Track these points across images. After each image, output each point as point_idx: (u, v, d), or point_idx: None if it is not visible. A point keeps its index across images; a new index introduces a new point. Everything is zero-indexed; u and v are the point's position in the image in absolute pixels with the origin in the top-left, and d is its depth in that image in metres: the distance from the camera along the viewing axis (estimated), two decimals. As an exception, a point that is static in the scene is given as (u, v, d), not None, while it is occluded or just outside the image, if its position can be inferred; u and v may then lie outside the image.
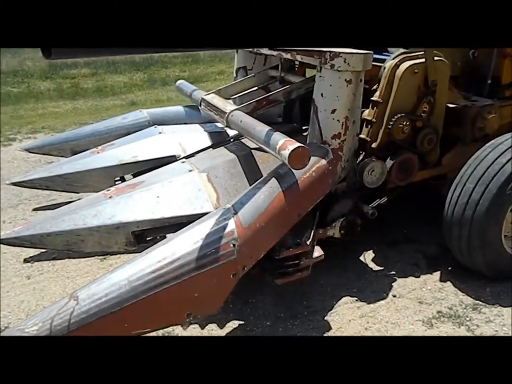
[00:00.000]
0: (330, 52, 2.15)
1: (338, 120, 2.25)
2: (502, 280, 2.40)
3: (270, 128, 2.14)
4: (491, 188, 2.16)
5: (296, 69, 3.24)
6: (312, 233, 2.14)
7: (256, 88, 3.06)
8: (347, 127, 2.28)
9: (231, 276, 1.77)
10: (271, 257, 2.04)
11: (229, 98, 2.99)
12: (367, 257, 2.76)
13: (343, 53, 2.12)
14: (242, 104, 2.68)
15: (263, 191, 1.98)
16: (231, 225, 1.79)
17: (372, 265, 2.67)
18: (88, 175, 2.83)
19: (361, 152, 2.50)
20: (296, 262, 2.09)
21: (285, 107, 3.22)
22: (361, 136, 2.53)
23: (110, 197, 2.19)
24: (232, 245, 1.75)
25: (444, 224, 2.40)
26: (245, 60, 3.24)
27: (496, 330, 2.09)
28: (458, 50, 2.94)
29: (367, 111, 2.52)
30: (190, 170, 2.39)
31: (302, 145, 1.88)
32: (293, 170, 2.01)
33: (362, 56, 2.13)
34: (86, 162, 2.87)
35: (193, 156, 2.75)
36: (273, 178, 2.06)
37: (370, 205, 2.51)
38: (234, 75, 3.33)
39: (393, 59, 2.41)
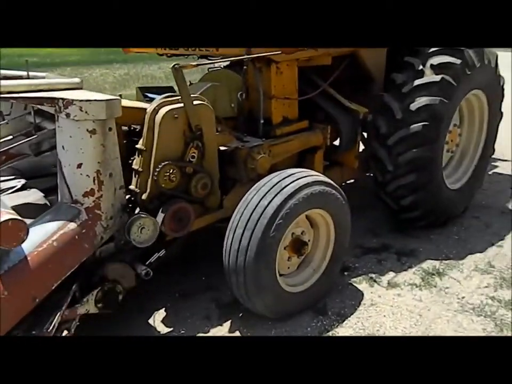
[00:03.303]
0: (63, 99, 1.86)
1: (87, 175, 1.96)
2: (286, 319, 2.41)
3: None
4: (256, 232, 2.13)
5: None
6: (57, 317, 1.76)
7: (11, 136, 2.57)
8: (101, 182, 2.00)
9: None
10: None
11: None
12: (157, 317, 2.50)
13: (77, 100, 1.85)
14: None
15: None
16: None
17: (160, 328, 2.41)
18: None
19: (131, 205, 2.27)
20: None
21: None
22: (131, 187, 2.30)
23: None
24: None
25: (224, 272, 2.31)
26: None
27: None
28: (232, 92, 2.99)
29: (135, 160, 2.31)
30: None
31: (15, 217, 1.51)
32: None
33: (103, 104, 1.90)
34: None
35: None
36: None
37: (149, 261, 2.27)
38: (-12, 121, 2.78)
39: (153, 104, 2.26)
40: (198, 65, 2.22)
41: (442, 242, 3.31)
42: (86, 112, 1.86)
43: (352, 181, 4.16)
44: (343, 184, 3.57)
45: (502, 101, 3.69)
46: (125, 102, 2.59)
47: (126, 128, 2.56)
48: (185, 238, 2.47)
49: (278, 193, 2.19)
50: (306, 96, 3.06)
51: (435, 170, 3.15)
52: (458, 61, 2.99)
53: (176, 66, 2.14)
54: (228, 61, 2.64)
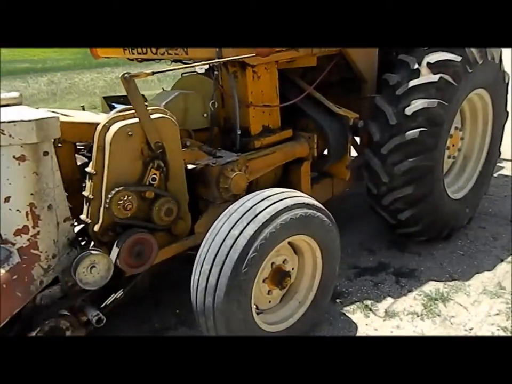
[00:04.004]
0: (-20, 120, 1.54)
1: (18, 210, 1.64)
2: (268, 363, 2.08)
3: None
4: (226, 268, 1.81)
5: None
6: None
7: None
8: (37, 217, 1.68)
9: None
10: None
11: None
12: (120, 363, 2.18)
13: (-2, 122, 1.53)
14: None
15: None
16: None
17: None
18: None
19: (82, 238, 1.96)
20: None
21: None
22: (82, 217, 1.98)
23: None
24: None
25: (193, 312, 1.99)
26: None
27: None
28: (207, 101, 2.69)
29: (86, 186, 1.99)
30: None
31: None
32: None
33: (32, 124, 1.58)
34: None
35: None
36: None
37: (104, 303, 1.96)
38: None
39: (104, 120, 1.94)
40: (153, 73, 1.90)
41: (446, 260, 2.99)
42: (10, 135, 1.54)
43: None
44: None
45: (507, 99, 3.36)
46: (81, 116, 2.29)
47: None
48: (154, 268, 2.17)
49: (251, 220, 1.87)
50: (289, 102, 2.73)
51: (435, 181, 2.82)
52: (458, 58, 2.65)
53: (126, 75, 1.82)
54: (192, 66, 2.32)
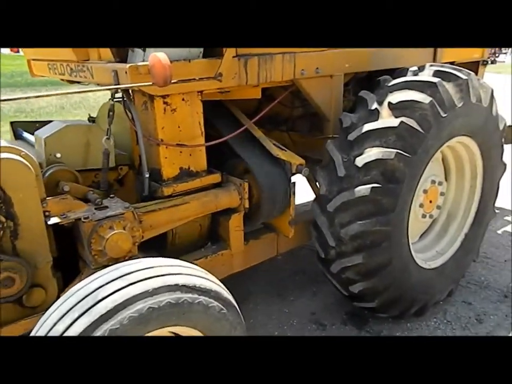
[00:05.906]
0: None
1: None
2: None
3: None
4: (36, 379, 1.30)
5: None
6: None
7: None
8: None
9: None
10: None
11: None
12: None
13: None
14: None
15: None
16: None
17: None
18: None
19: None
20: None
21: None
22: None
23: None
24: None
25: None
26: None
27: None
28: (120, 134, 2.24)
29: None
30: None
31: None
32: None
33: None
34: None
35: None
36: None
37: None
38: None
39: None
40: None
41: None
42: None
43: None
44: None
45: (502, 148, 2.75)
46: None
47: None
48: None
49: (87, 310, 1.35)
50: (215, 141, 2.23)
51: (395, 248, 2.24)
52: (427, 99, 2.10)
53: None
54: (67, 94, 1.85)
